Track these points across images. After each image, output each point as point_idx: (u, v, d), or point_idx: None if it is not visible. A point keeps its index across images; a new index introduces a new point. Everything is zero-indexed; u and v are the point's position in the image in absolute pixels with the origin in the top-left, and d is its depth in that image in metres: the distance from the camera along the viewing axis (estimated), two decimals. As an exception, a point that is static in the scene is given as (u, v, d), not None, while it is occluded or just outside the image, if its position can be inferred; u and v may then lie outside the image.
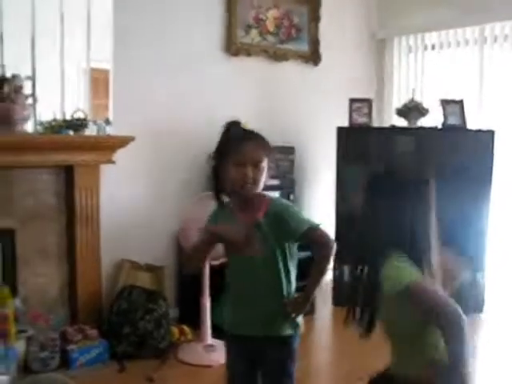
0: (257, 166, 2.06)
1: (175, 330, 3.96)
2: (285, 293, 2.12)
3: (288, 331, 2.14)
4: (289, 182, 4.75)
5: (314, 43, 5.22)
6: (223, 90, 4.60)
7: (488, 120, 4.88)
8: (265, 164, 2.08)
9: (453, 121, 4.62)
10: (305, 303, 2.14)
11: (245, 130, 2.17)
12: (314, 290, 2.17)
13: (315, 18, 5.19)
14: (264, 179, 2.09)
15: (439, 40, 5.33)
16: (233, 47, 4.64)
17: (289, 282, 2.14)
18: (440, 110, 4.68)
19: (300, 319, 2.18)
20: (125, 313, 3.73)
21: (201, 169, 4.38)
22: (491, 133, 4.54)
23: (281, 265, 2.10)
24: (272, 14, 4.91)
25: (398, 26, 5.53)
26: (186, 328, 4.02)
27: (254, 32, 4.80)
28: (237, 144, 2.09)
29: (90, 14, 3.80)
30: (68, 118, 3.68)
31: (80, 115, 3.68)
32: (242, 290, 2.16)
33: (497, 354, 3.89)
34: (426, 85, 5.40)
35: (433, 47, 5.40)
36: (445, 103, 4.67)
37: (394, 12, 5.57)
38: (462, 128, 4.63)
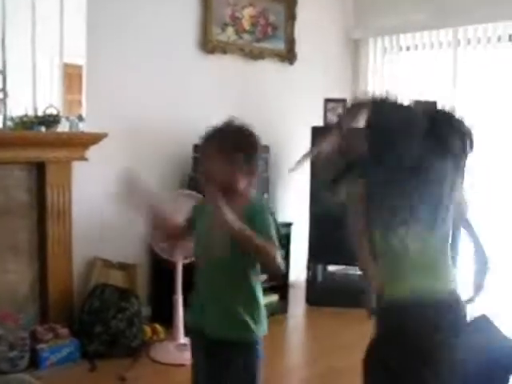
0: (212, 163, 2.07)
1: (147, 329, 3.93)
2: (243, 298, 2.09)
3: (244, 334, 2.10)
4: (263, 181, 4.74)
5: (290, 42, 5.22)
6: (198, 87, 4.58)
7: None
8: (223, 162, 2.06)
9: (426, 121, 4.64)
10: (227, 221, 1.92)
11: (217, 128, 2.15)
12: (242, 235, 1.95)
13: (291, 16, 5.20)
14: (229, 177, 2.07)
15: (414, 42, 5.37)
16: (209, 45, 4.62)
17: (248, 287, 2.10)
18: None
19: (264, 322, 2.14)
20: (97, 311, 3.69)
21: (174, 166, 4.37)
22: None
23: (240, 268, 2.08)
24: (248, 12, 4.90)
25: (374, 27, 5.57)
26: (158, 327, 4.00)
27: (230, 30, 4.79)
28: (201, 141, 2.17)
29: (63, 8, 3.74)
30: (40, 113, 3.63)
31: (52, 111, 3.63)
32: (203, 289, 2.16)
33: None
34: (401, 86, 5.44)
35: (407, 48, 5.44)
36: (418, 105, 4.69)
37: (370, 13, 5.60)
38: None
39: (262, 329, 2.13)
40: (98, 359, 3.57)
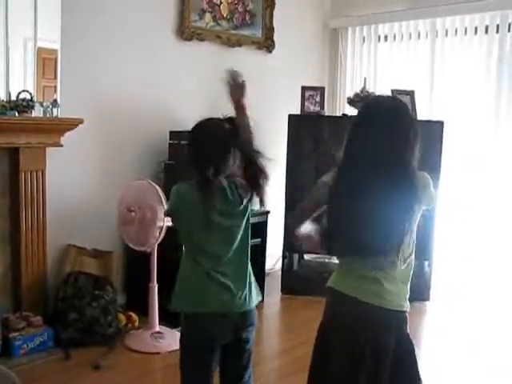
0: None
1: (122, 317, 3.91)
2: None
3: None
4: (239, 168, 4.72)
5: (268, 30, 5.20)
6: (175, 74, 4.54)
7: (437, 111, 4.98)
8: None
9: (403, 111, 4.67)
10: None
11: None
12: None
13: (270, 4, 5.17)
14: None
15: (392, 32, 5.39)
16: (186, 32, 4.57)
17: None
18: (391, 100, 4.72)
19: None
20: (71, 299, 3.66)
21: (151, 152, 4.33)
22: (440, 123, 4.63)
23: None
24: (226, -2, 4.86)
25: (352, 17, 5.57)
26: (133, 315, 3.97)
27: (207, 17, 4.74)
28: None
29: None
30: (13, 98, 3.55)
31: (26, 96, 3.56)
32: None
33: (442, 341, 3.98)
34: (379, 75, 5.46)
35: (385, 38, 5.46)
36: (396, 93, 4.71)
37: (348, 2, 5.61)
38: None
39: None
40: (73, 347, 3.54)
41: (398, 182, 1.92)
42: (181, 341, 2.27)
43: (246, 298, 2.21)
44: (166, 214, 2.17)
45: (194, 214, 2.13)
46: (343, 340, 2.04)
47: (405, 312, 2.07)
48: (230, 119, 2.19)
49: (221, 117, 2.20)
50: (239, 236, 2.21)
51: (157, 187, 3.51)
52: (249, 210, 2.23)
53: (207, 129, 2.21)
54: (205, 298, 2.17)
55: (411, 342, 2.09)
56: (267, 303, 4.59)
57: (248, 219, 2.24)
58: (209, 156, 2.14)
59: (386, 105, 2.06)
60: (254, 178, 2.20)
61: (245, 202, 2.19)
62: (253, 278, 2.28)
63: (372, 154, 1.94)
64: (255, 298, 2.27)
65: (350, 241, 1.99)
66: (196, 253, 2.19)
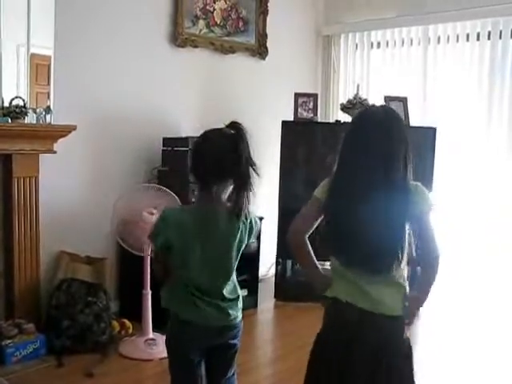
0: None
1: (116, 324, 3.89)
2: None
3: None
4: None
5: (262, 37, 5.21)
6: (168, 80, 4.54)
7: (430, 117, 5.01)
8: None
9: (396, 117, 4.69)
10: None
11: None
12: None
13: (263, 11, 5.18)
14: None
15: (384, 38, 5.42)
16: (179, 38, 4.58)
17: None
18: (384, 106, 4.74)
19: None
20: (64, 306, 3.64)
21: (144, 159, 4.33)
22: (433, 130, 4.65)
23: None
24: (219, 5, 4.87)
25: (345, 24, 5.60)
26: (126, 322, 3.96)
27: (201, 23, 4.75)
28: None
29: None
30: (6, 105, 3.54)
31: (19, 102, 3.55)
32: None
33: (436, 345, 3.98)
34: (371, 81, 5.48)
35: (378, 45, 5.48)
36: (389, 100, 4.74)
37: (341, 9, 5.63)
38: (405, 124, 4.71)
39: None
40: (66, 355, 3.52)
41: (391, 194, 1.95)
42: (167, 339, 2.27)
43: (230, 313, 2.20)
44: None
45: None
46: (338, 349, 2.05)
47: (399, 318, 2.07)
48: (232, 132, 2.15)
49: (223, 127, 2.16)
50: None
51: (173, 194, 3.55)
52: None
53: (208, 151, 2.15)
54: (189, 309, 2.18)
55: (407, 349, 2.09)
56: (261, 309, 4.59)
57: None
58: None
59: (378, 117, 2.08)
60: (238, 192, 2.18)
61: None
62: (240, 292, 2.27)
63: (365, 167, 1.98)
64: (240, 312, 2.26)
65: (348, 252, 2.04)
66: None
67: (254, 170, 2.18)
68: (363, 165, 1.98)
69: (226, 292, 2.17)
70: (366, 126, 2.04)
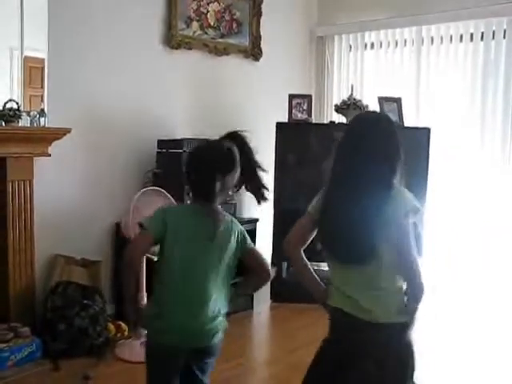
0: None
1: (112, 327, 3.88)
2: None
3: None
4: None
5: (256, 38, 5.22)
6: (163, 83, 4.54)
7: (424, 118, 5.02)
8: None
9: (390, 118, 4.70)
10: None
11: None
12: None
13: (257, 13, 5.19)
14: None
15: (378, 39, 5.43)
16: (173, 40, 4.58)
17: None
18: (378, 107, 4.76)
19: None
20: (59, 309, 3.63)
21: (139, 161, 4.33)
22: (427, 130, 4.66)
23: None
24: (213, 7, 4.87)
25: (339, 25, 5.61)
26: (122, 324, 3.95)
27: (194, 25, 4.75)
28: None
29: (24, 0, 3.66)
30: None
31: (13, 106, 3.55)
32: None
33: (436, 345, 3.99)
34: (365, 82, 5.49)
35: (372, 46, 5.49)
36: (383, 100, 4.75)
37: (335, 11, 5.64)
38: (399, 125, 4.72)
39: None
40: (61, 358, 3.51)
41: (372, 195, 2.00)
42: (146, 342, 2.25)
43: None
44: None
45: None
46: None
47: (395, 324, 2.06)
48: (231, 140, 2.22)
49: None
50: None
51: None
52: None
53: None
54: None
55: (406, 356, 2.10)
56: (257, 311, 4.59)
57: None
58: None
59: (371, 123, 2.15)
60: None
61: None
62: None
63: (359, 175, 2.02)
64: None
65: (334, 247, 2.11)
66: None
67: (260, 167, 2.31)
68: (352, 169, 2.04)
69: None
70: (357, 133, 2.12)
